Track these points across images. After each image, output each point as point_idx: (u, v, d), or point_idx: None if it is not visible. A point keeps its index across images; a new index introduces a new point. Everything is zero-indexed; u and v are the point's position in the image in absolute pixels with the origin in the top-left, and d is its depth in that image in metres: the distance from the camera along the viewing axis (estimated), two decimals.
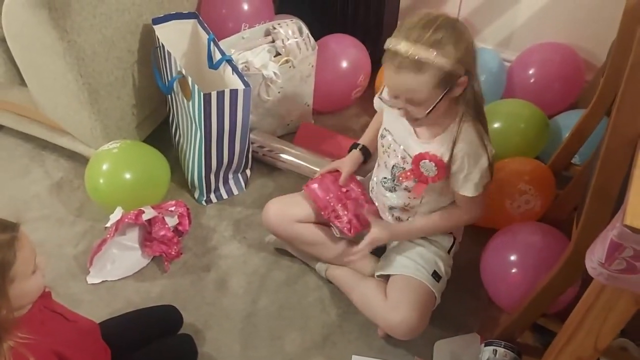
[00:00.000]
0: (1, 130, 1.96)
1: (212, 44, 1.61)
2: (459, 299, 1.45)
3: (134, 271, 1.54)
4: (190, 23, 1.67)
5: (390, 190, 1.35)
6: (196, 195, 1.74)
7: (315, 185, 1.40)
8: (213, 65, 1.62)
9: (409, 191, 1.31)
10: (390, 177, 1.33)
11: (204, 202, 1.72)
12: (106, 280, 1.52)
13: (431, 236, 1.39)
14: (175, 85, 1.57)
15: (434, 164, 1.22)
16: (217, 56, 1.60)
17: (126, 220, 1.48)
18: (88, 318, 1.15)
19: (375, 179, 1.41)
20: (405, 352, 1.37)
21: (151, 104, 1.77)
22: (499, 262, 1.36)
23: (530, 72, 1.82)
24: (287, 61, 1.73)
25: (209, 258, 1.58)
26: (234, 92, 1.46)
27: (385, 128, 1.33)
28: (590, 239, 0.76)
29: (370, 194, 1.44)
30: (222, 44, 1.66)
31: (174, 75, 1.57)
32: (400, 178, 1.29)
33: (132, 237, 1.54)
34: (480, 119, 1.22)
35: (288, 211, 1.43)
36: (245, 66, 1.69)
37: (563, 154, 1.57)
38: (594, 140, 1.46)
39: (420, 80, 1.06)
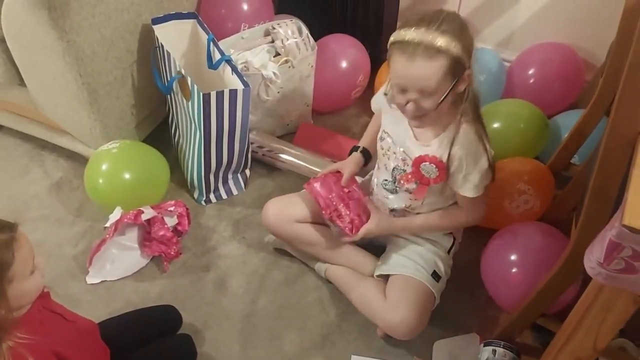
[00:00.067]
0: (1, 130, 1.96)
1: (211, 44, 1.61)
2: (459, 299, 1.45)
3: (133, 271, 1.54)
4: (189, 23, 1.67)
5: (392, 192, 1.35)
6: (195, 195, 1.74)
7: (318, 184, 1.39)
8: (212, 65, 1.62)
9: (410, 192, 1.31)
10: (390, 179, 1.33)
11: (203, 202, 1.72)
12: (105, 280, 1.52)
13: (431, 236, 1.39)
14: (175, 85, 1.57)
15: (434, 166, 1.22)
16: (217, 56, 1.60)
17: (125, 220, 1.48)
18: (87, 318, 1.15)
19: (375, 180, 1.42)
20: (404, 352, 1.37)
21: (150, 104, 1.77)
22: (499, 261, 1.36)
23: (530, 72, 1.82)
24: (286, 61, 1.73)
25: (208, 258, 1.58)
26: (233, 92, 1.46)
27: (384, 130, 1.33)
28: (589, 239, 0.76)
29: (371, 197, 1.44)
30: (222, 44, 1.66)
31: (173, 75, 1.57)
32: (402, 181, 1.29)
33: (132, 237, 1.54)
34: (479, 120, 1.22)
35: (287, 211, 1.43)
36: (245, 66, 1.69)
37: (562, 154, 1.57)
38: (593, 140, 1.46)
39: (434, 66, 1.06)
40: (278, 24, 1.77)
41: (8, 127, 1.88)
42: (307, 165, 1.76)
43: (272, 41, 1.76)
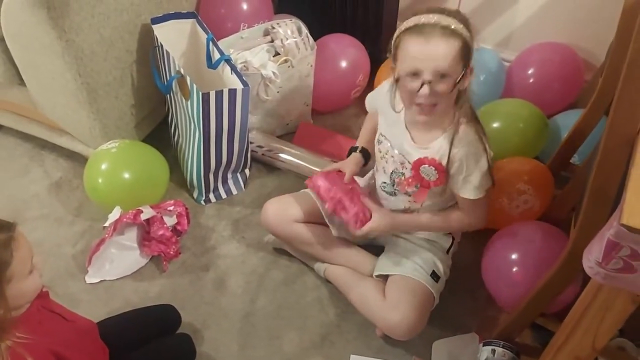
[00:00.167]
0: (0, 130, 1.96)
1: (210, 43, 1.61)
2: (458, 298, 1.45)
3: (133, 271, 1.54)
4: (189, 23, 1.67)
5: (391, 195, 1.35)
6: (195, 194, 1.74)
7: (321, 178, 1.36)
8: (212, 65, 1.62)
9: (410, 195, 1.31)
10: (389, 182, 1.34)
11: (202, 202, 1.72)
12: (105, 280, 1.52)
13: (430, 236, 1.39)
14: (174, 85, 1.57)
15: (433, 168, 1.22)
16: (216, 56, 1.59)
17: (125, 219, 1.48)
18: (86, 318, 1.15)
19: (374, 182, 1.42)
20: (403, 352, 1.37)
21: (150, 104, 1.77)
22: (500, 260, 1.36)
23: (530, 72, 1.82)
24: (286, 61, 1.73)
25: (208, 258, 1.58)
26: (232, 92, 1.46)
27: (381, 134, 1.32)
28: (588, 239, 0.76)
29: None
30: (221, 43, 1.66)
31: (172, 74, 1.57)
32: (402, 185, 1.29)
33: (131, 236, 1.54)
34: (477, 121, 1.23)
35: (287, 211, 1.43)
36: (244, 66, 1.69)
37: (562, 153, 1.57)
38: (593, 139, 1.46)
39: (450, 45, 1.07)
40: (277, 24, 1.77)
41: (8, 126, 1.88)
42: (307, 165, 1.76)
43: (272, 41, 1.76)
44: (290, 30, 1.75)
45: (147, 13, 1.61)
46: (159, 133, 1.84)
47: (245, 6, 1.89)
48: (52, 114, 1.70)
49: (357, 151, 1.44)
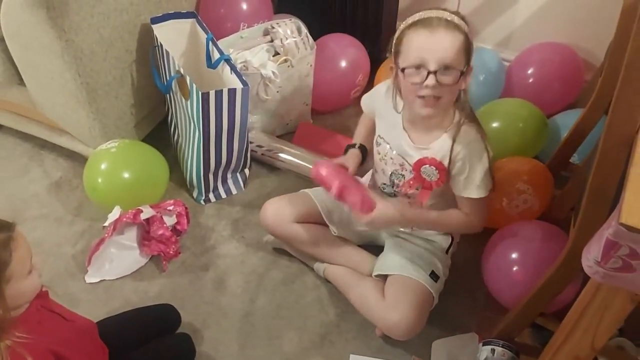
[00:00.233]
0: (0, 130, 1.96)
1: (210, 43, 1.61)
2: (457, 298, 1.45)
3: (132, 270, 1.54)
4: (188, 22, 1.67)
5: (390, 196, 1.35)
6: (195, 194, 1.74)
7: (326, 164, 1.30)
8: (211, 64, 1.62)
9: (409, 197, 1.31)
10: (389, 183, 1.34)
11: (202, 202, 1.72)
12: (104, 280, 1.52)
13: (429, 236, 1.39)
14: (174, 85, 1.57)
15: (434, 168, 1.22)
16: (216, 56, 1.60)
17: (124, 219, 1.48)
18: (86, 317, 1.15)
19: (372, 183, 1.42)
20: (403, 352, 1.37)
21: (150, 104, 1.77)
22: (501, 260, 1.36)
23: (529, 71, 1.82)
24: (285, 60, 1.73)
25: (207, 257, 1.59)
26: (232, 92, 1.46)
27: (379, 135, 1.32)
28: (587, 238, 0.76)
29: None
30: (221, 43, 1.66)
31: (172, 74, 1.57)
32: (404, 188, 1.29)
33: (131, 236, 1.54)
34: (477, 120, 1.23)
35: (286, 211, 1.43)
36: (244, 66, 1.69)
37: (561, 153, 1.57)
38: (592, 139, 1.46)
39: (454, 37, 1.09)
40: (277, 24, 1.77)
41: (7, 126, 1.88)
42: (307, 165, 1.76)
43: (271, 40, 1.76)
44: (289, 30, 1.76)
45: (146, 13, 1.61)
46: (158, 133, 1.84)
47: (244, 6, 1.89)
48: (52, 114, 1.70)
49: (356, 147, 1.42)
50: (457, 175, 1.23)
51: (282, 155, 1.79)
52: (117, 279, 1.53)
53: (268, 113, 1.83)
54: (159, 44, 1.58)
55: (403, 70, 1.13)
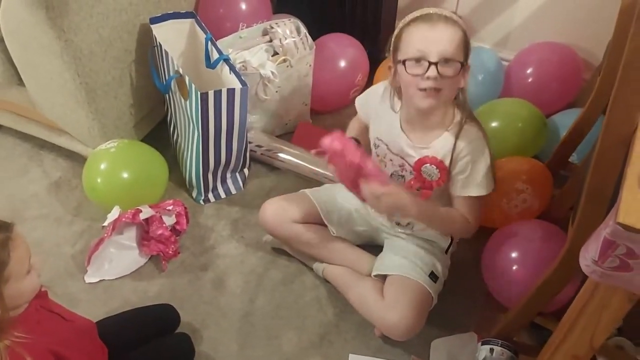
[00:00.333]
0: (0, 130, 1.96)
1: (209, 43, 1.61)
2: (457, 298, 1.45)
3: (132, 270, 1.54)
4: (187, 22, 1.68)
5: None
6: (194, 194, 1.74)
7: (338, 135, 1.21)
8: (210, 64, 1.62)
9: None
10: None
11: (201, 202, 1.72)
12: (104, 280, 1.52)
13: (429, 236, 1.39)
14: (173, 85, 1.58)
15: (435, 167, 1.22)
16: (215, 55, 1.60)
17: (123, 219, 1.49)
18: (85, 317, 1.15)
19: None
20: (402, 352, 1.37)
21: (149, 104, 1.77)
22: (501, 259, 1.35)
23: (528, 71, 1.82)
24: (284, 60, 1.73)
25: (207, 257, 1.59)
26: (231, 92, 1.46)
27: (377, 137, 1.32)
28: (585, 238, 0.76)
29: None
30: (220, 43, 1.66)
31: (171, 74, 1.57)
32: (405, 189, 1.29)
33: (130, 236, 1.55)
34: (477, 120, 1.23)
35: (285, 211, 1.43)
36: (243, 65, 1.69)
37: (560, 152, 1.57)
38: (591, 138, 1.46)
39: (454, 31, 1.11)
40: (276, 23, 1.77)
41: (7, 126, 1.88)
42: (306, 165, 1.76)
43: (270, 40, 1.76)
44: (289, 30, 1.76)
45: (145, 13, 1.61)
46: (158, 133, 1.84)
47: (244, 6, 1.89)
48: (51, 114, 1.70)
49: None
50: (457, 175, 1.23)
51: (281, 155, 1.79)
52: (116, 278, 1.53)
53: (267, 113, 1.83)
54: (158, 44, 1.58)
55: (404, 62, 1.13)
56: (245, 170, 1.78)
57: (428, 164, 1.23)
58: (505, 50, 1.97)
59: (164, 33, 1.60)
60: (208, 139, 1.54)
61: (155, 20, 1.60)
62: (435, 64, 1.09)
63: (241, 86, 1.48)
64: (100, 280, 1.52)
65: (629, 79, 0.74)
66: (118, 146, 1.59)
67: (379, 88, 1.32)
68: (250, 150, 1.78)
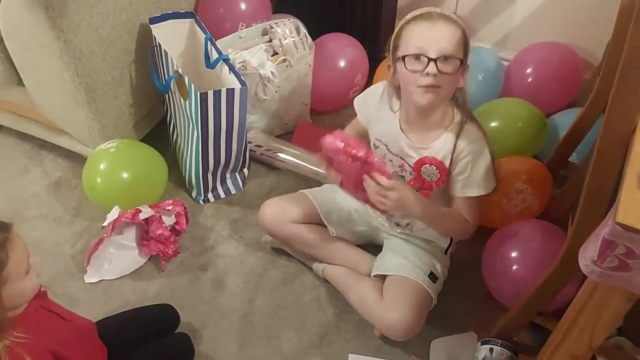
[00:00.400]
0: (0, 130, 1.96)
1: (209, 43, 1.61)
2: (456, 298, 1.45)
3: (131, 270, 1.54)
4: (187, 22, 1.68)
5: None
6: (194, 194, 1.74)
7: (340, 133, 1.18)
8: (210, 64, 1.62)
9: None
10: None
11: (201, 202, 1.72)
12: (103, 280, 1.52)
13: (428, 236, 1.39)
14: (172, 85, 1.58)
15: (435, 167, 1.22)
16: (214, 55, 1.60)
17: (123, 219, 1.49)
18: (85, 317, 1.15)
19: None
20: (401, 352, 1.37)
21: (148, 104, 1.77)
22: (501, 259, 1.35)
23: (528, 71, 1.82)
24: (284, 60, 1.73)
25: (206, 257, 1.59)
26: (230, 91, 1.46)
27: (377, 139, 1.32)
28: (584, 237, 0.76)
29: None
30: (219, 43, 1.66)
31: (170, 74, 1.57)
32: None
33: (130, 236, 1.55)
34: (476, 120, 1.23)
35: (284, 212, 1.43)
36: (243, 65, 1.69)
37: (560, 152, 1.57)
38: (591, 138, 1.46)
39: (453, 29, 1.12)
40: (276, 23, 1.77)
41: (7, 126, 1.88)
42: (306, 165, 1.76)
43: (270, 40, 1.76)
44: (288, 30, 1.76)
45: (145, 13, 1.61)
46: (157, 133, 1.84)
47: (243, 6, 1.89)
48: (51, 114, 1.70)
49: None
50: (457, 175, 1.23)
51: (281, 155, 1.79)
52: (116, 278, 1.53)
53: (267, 113, 1.83)
54: (158, 44, 1.58)
55: (403, 58, 1.13)
56: (245, 170, 1.78)
57: (428, 165, 1.23)
58: (505, 50, 1.97)
59: (163, 33, 1.60)
60: (207, 139, 1.54)
61: (154, 20, 1.60)
62: (435, 60, 1.10)
63: (240, 86, 1.48)
64: (100, 280, 1.52)
65: (627, 79, 0.74)
66: (118, 146, 1.59)
67: (378, 88, 1.32)
68: (250, 150, 1.78)
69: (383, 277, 1.36)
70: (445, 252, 1.39)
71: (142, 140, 1.76)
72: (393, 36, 1.18)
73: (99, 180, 1.56)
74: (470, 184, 1.23)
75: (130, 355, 1.21)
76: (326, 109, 1.99)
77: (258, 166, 1.83)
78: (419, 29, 1.13)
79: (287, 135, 1.91)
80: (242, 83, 1.50)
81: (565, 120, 1.67)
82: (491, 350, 1.27)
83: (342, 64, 1.89)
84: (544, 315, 1.30)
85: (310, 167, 1.75)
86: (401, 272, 1.32)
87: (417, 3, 2.02)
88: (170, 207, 1.57)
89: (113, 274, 1.53)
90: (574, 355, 0.88)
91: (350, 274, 1.43)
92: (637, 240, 0.63)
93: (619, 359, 1.27)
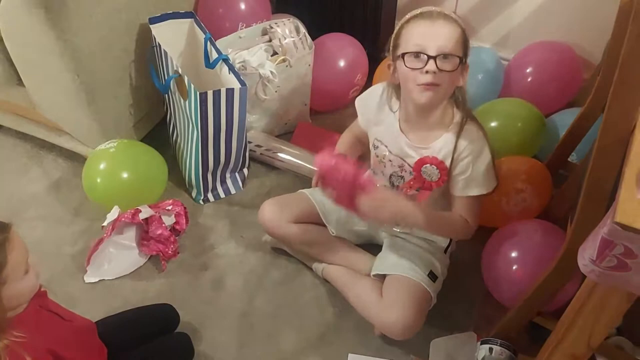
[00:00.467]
0: (0, 130, 1.96)
1: (208, 43, 1.61)
2: (456, 297, 1.45)
3: (131, 270, 1.55)
4: (187, 22, 1.68)
5: None
6: (193, 194, 1.74)
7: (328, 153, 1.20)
8: (210, 64, 1.62)
9: (409, 199, 1.30)
10: (388, 184, 1.34)
11: (201, 201, 1.72)
12: (103, 279, 1.52)
13: (428, 236, 1.39)
14: (172, 85, 1.58)
15: (435, 167, 1.22)
16: (214, 55, 1.60)
17: (123, 219, 1.49)
18: (84, 317, 1.16)
19: None
20: (401, 351, 1.37)
21: (148, 104, 1.77)
22: (501, 259, 1.35)
23: (528, 70, 1.81)
24: (284, 60, 1.74)
25: (206, 257, 1.59)
26: (230, 91, 1.46)
27: (376, 139, 1.32)
28: (583, 237, 0.76)
29: None
30: (219, 43, 1.66)
31: (170, 74, 1.57)
32: (404, 190, 1.29)
33: (129, 236, 1.55)
34: (477, 120, 1.23)
35: (284, 211, 1.43)
36: (242, 65, 1.69)
37: (560, 152, 1.57)
38: (590, 138, 1.46)
39: (453, 28, 1.12)
40: (275, 23, 1.77)
41: (7, 126, 1.88)
42: (305, 164, 1.76)
43: (270, 40, 1.76)
44: (288, 30, 1.76)
45: (145, 13, 1.61)
46: (157, 133, 1.84)
47: (243, 6, 1.89)
48: (51, 114, 1.70)
49: None
50: (458, 175, 1.23)
51: (280, 155, 1.79)
52: (116, 278, 1.53)
53: (267, 113, 1.83)
54: (157, 43, 1.58)
55: (403, 56, 1.13)
56: (245, 170, 1.78)
57: (428, 165, 1.23)
58: (504, 50, 1.96)
59: (163, 33, 1.60)
60: (207, 138, 1.55)
61: (154, 20, 1.60)
62: (434, 58, 1.10)
63: (240, 86, 1.48)
64: (100, 280, 1.52)
65: (626, 78, 0.74)
66: (118, 146, 1.59)
67: (378, 89, 1.32)
68: (250, 150, 1.78)
69: (383, 277, 1.36)
70: (445, 252, 1.39)
71: (142, 140, 1.77)
72: (393, 35, 1.18)
73: (99, 180, 1.56)
74: (471, 183, 1.23)
75: (130, 355, 1.22)
76: (326, 109, 1.99)
77: (258, 166, 1.83)
78: (419, 27, 1.13)
79: (287, 135, 1.91)
80: (242, 83, 1.50)
81: (564, 119, 1.67)
82: (491, 349, 1.27)
83: (341, 63, 1.89)
84: (544, 315, 1.30)
85: (310, 167, 1.75)
86: (401, 271, 1.32)
87: (417, 3, 2.02)
88: (170, 207, 1.57)
89: (113, 274, 1.53)
90: (574, 355, 0.88)
91: (350, 273, 1.43)
92: (636, 240, 0.63)
93: (618, 358, 1.26)
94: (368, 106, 1.35)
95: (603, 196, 0.87)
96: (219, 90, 1.45)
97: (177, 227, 1.58)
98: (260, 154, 1.81)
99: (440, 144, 1.22)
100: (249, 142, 1.78)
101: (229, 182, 1.75)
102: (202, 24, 1.64)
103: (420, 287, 1.30)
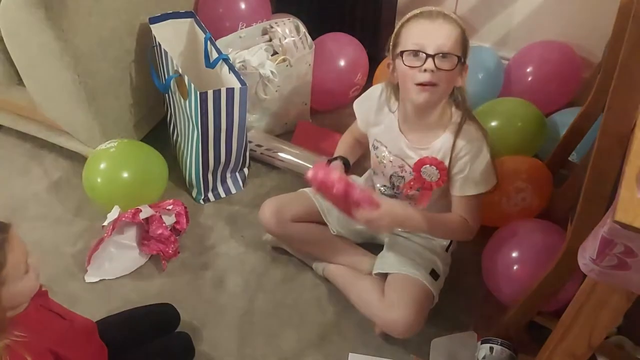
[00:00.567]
0: (0, 130, 1.96)
1: (209, 43, 1.61)
2: (457, 297, 1.45)
3: (132, 270, 1.55)
4: (187, 22, 1.68)
5: (391, 198, 1.35)
6: (194, 194, 1.74)
7: (322, 167, 1.21)
8: (210, 64, 1.62)
9: (410, 199, 1.31)
10: (389, 184, 1.34)
11: (201, 201, 1.72)
12: (104, 279, 1.53)
13: (429, 235, 1.39)
14: (172, 84, 1.58)
15: (435, 167, 1.22)
16: (214, 55, 1.60)
17: (123, 219, 1.49)
18: (85, 317, 1.15)
19: (371, 184, 1.42)
20: (402, 350, 1.37)
21: (149, 103, 1.77)
22: (501, 258, 1.35)
23: (528, 70, 1.81)
24: (284, 60, 1.74)
25: (207, 257, 1.59)
26: (230, 91, 1.46)
27: (376, 139, 1.32)
28: (583, 236, 0.76)
29: None
30: (219, 43, 1.67)
31: (170, 74, 1.57)
32: (404, 190, 1.29)
33: (130, 235, 1.55)
34: (476, 119, 1.23)
35: (284, 210, 1.43)
36: (243, 65, 1.69)
37: (560, 151, 1.57)
38: (591, 137, 1.46)
39: (452, 27, 1.13)
40: (276, 23, 1.77)
41: (7, 126, 1.88)
42: (306, 164, 1.76)
43: (270, 40, 1.77)
44: (288, 30, 1.76)
45: (145, 12, 1.61)
46: (157, 132, 1.84)
47: (243, 5, 1.89)
48: (51, 114, 1.70)
49: (338, 160, 1.39)
50: (456, 175, 1.23)
51: (281, 154, 1.79)
52: (116, 278, 1.53)
53: (267, 112, 1.83)
54: (158, 43, 1.58)
55: (402, 54, 1.13)
56: (245, 170, 1.78)
57: (428, 165, 1.23)
58: (504, 49, 1.96)
59: (163, 33, 1.60)
60: (207, 138, 1.55)
61: (154, 19, 1.60)
62: (433, 56, 1.10)
63: (240, 86, 1.48)
64: (101, 280, 1.52)
65: (626, 78, 0.74)
66: (118, 146, 1.59)
67: (377, 90, 1.32)
68: (250, 150, 1.79)
69: (384, 276, 1.36)
70: (447, 250, 1.39)
71: (142, 140, 1.77)
72: (393, 34, 1.18)
73: (99, 180, 1.56)
74: (469, 183, 1.23)
75: (130, 355, 1.22)
76: (326, 109, 1.99)
77: (258, 166, 1.83)
78: (418, 26, 1.13)
79: (287, 134, 1.91)
80: (242, 82, 1.50)
81: (565, 119, 1.67)
82: (491, 349, 1.27)
83: (342, 63, 1.89)
84: (544, 314, 1.30)
85: (310, 166, 1.75)
86: (402, 270, 1.32)
87: (417, 2, 2.02)
88: (170, 207, 1.57)
89: (113, 274, 1.53)
90: (574, 354, 0.88)
91: (351, 272, 1.43)
92: (636, 239, 0.63)
93: (618, 358, 1.26)
94: (366, 108, 1.35)
95: (603, 195, 0.87)
96: (219, 90, 1.45)
97: (178, 226, 1.58)
98: (261, 153, 1.81)
99: (439, 144, 1.22)
100: (250, 142, 1.78)
101: (229, 181, 1.75)
102: (202, 23, 1.64)
103: (422, 285, 1.30)
